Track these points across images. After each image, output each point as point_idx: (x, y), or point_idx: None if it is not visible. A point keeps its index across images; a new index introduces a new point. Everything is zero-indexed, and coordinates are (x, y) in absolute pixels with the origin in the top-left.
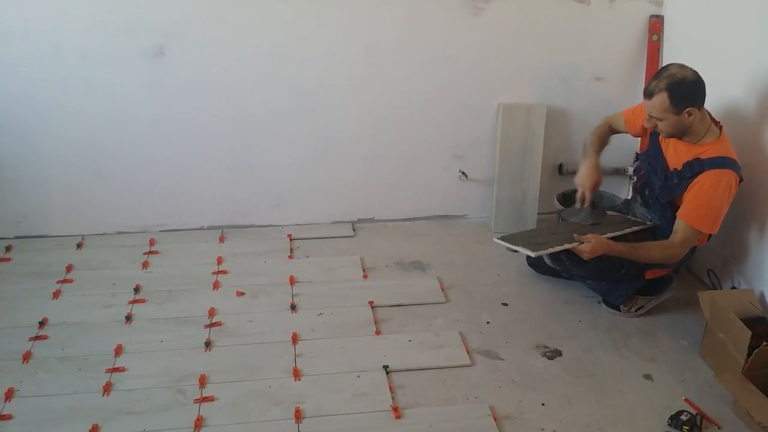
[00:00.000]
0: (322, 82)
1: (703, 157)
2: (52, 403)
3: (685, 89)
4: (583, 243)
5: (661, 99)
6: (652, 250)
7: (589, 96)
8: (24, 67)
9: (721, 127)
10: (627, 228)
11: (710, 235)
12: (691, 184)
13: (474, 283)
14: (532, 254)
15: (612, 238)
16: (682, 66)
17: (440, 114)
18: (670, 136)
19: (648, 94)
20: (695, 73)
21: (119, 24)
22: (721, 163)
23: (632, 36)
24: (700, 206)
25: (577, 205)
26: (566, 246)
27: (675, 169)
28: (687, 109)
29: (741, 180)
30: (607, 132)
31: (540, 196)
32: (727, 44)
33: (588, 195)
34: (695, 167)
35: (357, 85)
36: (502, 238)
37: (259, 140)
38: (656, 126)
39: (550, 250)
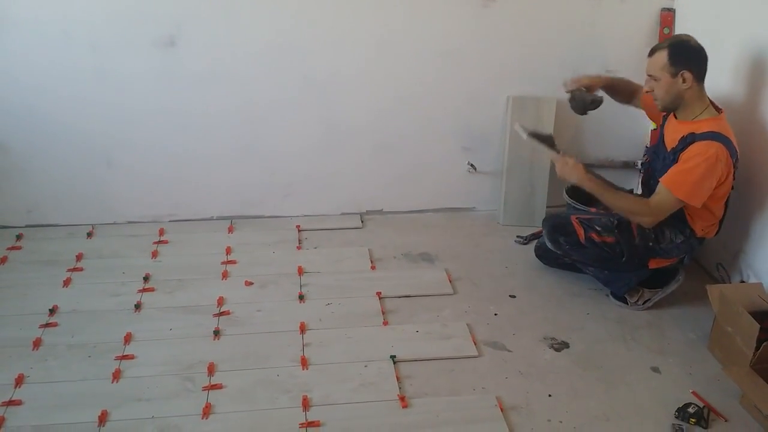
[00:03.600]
0: (332, 73)
1: (697, 131)
2: (62, 389)
3: (685, 50)
4: (564, 158)
5: (661, 55)
6: (623, 198)
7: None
8: (35, 57)
9: (721, 111)
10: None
11: (719, 229)
12: (681, 153)
13: (482, 275)
14: (525, 135)
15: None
16: (690, 36)
17: (449, 106)
18: (665, 107)
19: (651, 51)
20: (702, 46)
21: (130, 14)
22: (713, 136)
23: (643, 29)
24: (681, 171)
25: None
26: (548, 151)
27: (672, 148)
28: (683, 72)
29: (736, 160)
30: (627, 87)
31: (549, 189)
32: (739, 37)
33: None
34: (688, 140)
35: (366, 77)
36: (522, 126)
37: (269, 131)
38: (653, 91)
39: (537, 145)
